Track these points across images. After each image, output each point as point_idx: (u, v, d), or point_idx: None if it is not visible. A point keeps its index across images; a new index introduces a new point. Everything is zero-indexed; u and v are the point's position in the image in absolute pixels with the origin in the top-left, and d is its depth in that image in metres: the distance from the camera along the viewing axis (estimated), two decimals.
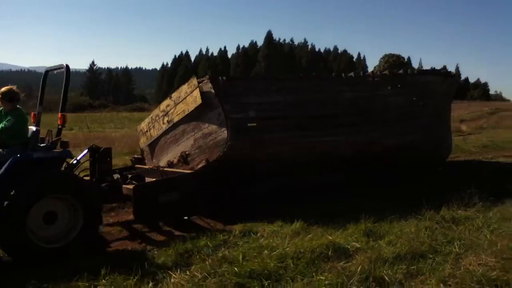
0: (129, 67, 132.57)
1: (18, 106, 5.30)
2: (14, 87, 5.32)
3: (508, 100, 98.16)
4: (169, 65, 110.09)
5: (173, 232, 6.04)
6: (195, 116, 6.99)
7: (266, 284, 3.87)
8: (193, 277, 4.06)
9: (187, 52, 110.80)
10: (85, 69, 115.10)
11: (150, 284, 3.97)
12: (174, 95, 7.38)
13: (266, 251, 4.62)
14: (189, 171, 6.63)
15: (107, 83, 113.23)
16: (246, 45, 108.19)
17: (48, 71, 5.93)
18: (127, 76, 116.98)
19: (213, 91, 6.63)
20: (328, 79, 7.94)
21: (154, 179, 6.40)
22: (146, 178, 7.11)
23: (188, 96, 6.96)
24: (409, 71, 9.00)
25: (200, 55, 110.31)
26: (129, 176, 6.51)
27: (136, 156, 8.76)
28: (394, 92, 8.30)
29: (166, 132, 7.63)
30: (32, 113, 5.69)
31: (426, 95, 8.61)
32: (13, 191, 4.68)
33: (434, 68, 9.32)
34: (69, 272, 4.31)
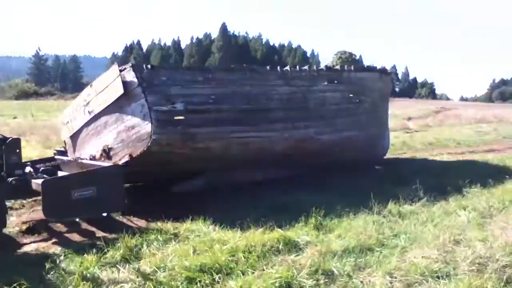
0: (78, 54, 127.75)
1: None
2: None
3: (452, 100, 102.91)
4: (120, 54, 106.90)
5: (94, 232, 5.59)
6: (117, 107, 6.46)
7: (216, 277, 3.89)
8: (143, 270, 4.04)
9: (138, 41, 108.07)
10: (31, 56, 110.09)
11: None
12: (95, 83, 6.82)
13: (217, 245, 4.57)
14: (110, 164, 6.14)
15: (54, 70, 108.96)
16: (200, 37, 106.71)
17: None
18: (75, 63, 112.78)
19: (136, 80, 6.15)
20: (261, 72, 7.58)
21: (67, 173, 5.87)
22: (63, 171, 6.59)
23: (109, 85, 6.42)
24: (346, 67, 8.83)
25: (152, 45, 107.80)
26: (40, 169, 5.92)
27: (59, 148, 8.13)
28: (330, 88, 8.13)
29: (87, 124, 7.05)
30: None
31: (362, 92, 8.52)
32: None
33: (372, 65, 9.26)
34: None
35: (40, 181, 5.25)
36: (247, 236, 4.80)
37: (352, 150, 8.41)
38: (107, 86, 6.49)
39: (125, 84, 6.21)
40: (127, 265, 4.22)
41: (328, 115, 8.04)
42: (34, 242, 5.29)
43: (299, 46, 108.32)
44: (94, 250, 4.55)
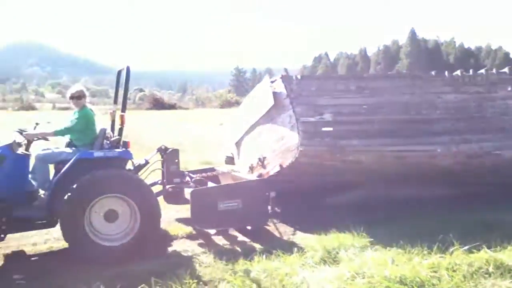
0: (271, 67, 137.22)
1: (85, 105, 5.51)
2: (81, 87, 5.57)
3: None
4: (309, 65, 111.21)
5: (237, 236, 5.87)
6: (269, 118, 6.60)
7: None
8: (342, 274, 4.12)
9: (326, 53, 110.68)
10: (232, 70, 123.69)
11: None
12: (252, 94, 7.12)
13: (416, 258, 4.43)
14: (257, 178, 6.30)
15: (252, 82, 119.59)
16: (388, 43, 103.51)
17: (120, 71, 6.11)
18: (269, 75, 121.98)
19: (285, 91, 6.18)
20: (425, 78, 6.79)
21: (214, 185, 6.20)
22: (221, 182, 6.98)
23: (262, 96, 6.62)
24: None
25: (339, 54, 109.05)
26: (192, 179, 6.39)
27: (228, 155, 8.71)
28: None
29: (246, 133, 7.39)
30: (109, 111, 5.94)
31: None
32: (71, 189, 4.82)
33: None
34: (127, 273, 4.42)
35: (190, 190, 5.66)
36: (450, 253, 4.48)
37: None
38: (260, 97, 6.70)
39: (275, 95, 6.30)
40: (326, 267, 4.42)
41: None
42: (182, 237, 5.80)
43: (500, 48, 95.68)
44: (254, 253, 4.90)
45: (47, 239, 5.51)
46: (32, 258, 5.25)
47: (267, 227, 6.20)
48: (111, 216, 5.08)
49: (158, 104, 60.49)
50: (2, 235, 4.88)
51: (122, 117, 5.35)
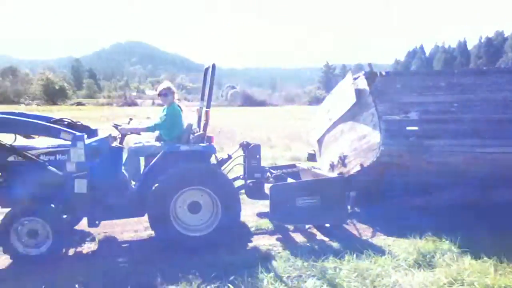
0: (362, 63, 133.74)
1: (174, 101, 5.80)
2: (169, 84, 5.90)
3: None
4: (403, 60, 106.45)
5: (315, 234, 5.87)
6: (351, 115, 6.49)
7: None
8: (438, 280, 4.08)
9: (421, 46, 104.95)
10: (322, 66, 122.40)
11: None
12: (334, 90, 7.03)
13: None
14: (337, 176, 6.22)
15: (341, 78, 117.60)
16: (491, 35, 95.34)
17: (207, 68, 6.35)
18: (360, 70, 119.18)
19: (367, 88, 6.03)
20: None
21: (294, 181, 6.23)
22: (302, 178, 7.00)
23: (344, 93, 6.51)
24: None
25: (435, 48, 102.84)
26: (273, 175, 6.48)
27: (310, 151, 8.72)
28: None
29: (328, 130, 7.34)
30: (196, 108, 6.25)
31: None
32: (158, 181, 5.16)
33: None
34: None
35: (269, 185, 5.76)
36: None
37: None
38: (342, 94, 6.60)
39: (357, 92, 6.18)
40: (420, 271, 4.37)
41: None
42: (262, 232, 5.94)
43: None
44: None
45: (147, 227, 5.92)
46: (133, 244, 5.66)
47: (346, 226, 6.13)
48: (194, 207, 5.35)
49: (249, 101, 61.71)
50: (97, 222, 5.36)
51: (206, 113, 5.59)
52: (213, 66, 5.68)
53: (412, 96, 5.98)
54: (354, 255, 4.76)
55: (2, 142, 4.98)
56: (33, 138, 5.45)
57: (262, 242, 5.59)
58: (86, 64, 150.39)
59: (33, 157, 4.97)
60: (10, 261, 4.96)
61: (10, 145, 4.98)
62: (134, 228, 6.16)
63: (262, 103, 57.99)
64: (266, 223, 6.26)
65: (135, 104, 60.71)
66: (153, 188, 5.13)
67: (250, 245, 5.53)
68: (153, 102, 65.86)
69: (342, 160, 6.77)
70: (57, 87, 70.56)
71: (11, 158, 4.99)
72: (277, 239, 5.69)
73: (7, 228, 4.84)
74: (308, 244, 5.45)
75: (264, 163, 7.59)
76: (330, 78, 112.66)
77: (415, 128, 5.88)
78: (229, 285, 4.16)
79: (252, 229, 6.12)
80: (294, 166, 7.50)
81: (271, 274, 4.33)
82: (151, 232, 5.68)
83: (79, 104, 62.76)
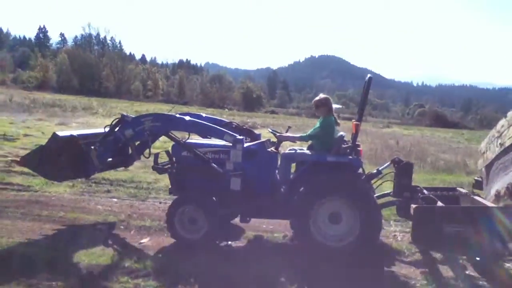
0: None
1: (329, 113, 6.00)
2: (324, 96, 6.14)
3: None
4: None
5: (464, 267, 5.44)
6: None
7: None
8: None
9: None
10: None
11: None
12: (509, 114, 6.34)
13: None
14: (498, 206, 5.62)
15: None
16: None
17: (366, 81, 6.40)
18: None
19: None
20: None
21: (443, 205, 5.82)
22: (461, 204, 6.51)
23: None
24: None
25: None
26: (420, 195, 6.16)
27: (476, 178, 7.99)
28: None
29: (497, 157, 6.65)
30: (352, 121, 6.40)
31: None
32: (302, 188, 5.49)
33: None
34: None
35: (414, 206, 5.56)
36: None
37: None
38: None
39: None
40: None
41: None
42: (403, 256, 5.70)
43: None
44: None
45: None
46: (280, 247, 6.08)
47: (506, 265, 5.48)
48: (335, 218, 5.49)
49: (439, 121, 57.70)
50: (248, 218, 5.96)
51: (356, 126, 5.70)
52: (369, 78, 5.76)
53: None
54: None
55: (178, 139, 5.96)
56: (208, 137, 6.33)
57: (400, 268, 5.42)
58: (281, 75, 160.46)
59: (201, 154, 5.81)
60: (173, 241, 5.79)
61: (184, 141, 5.94)
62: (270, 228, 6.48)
63: (454, 125, 53.32)
64: (406, 247, 6.03)
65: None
66: (297, 194, 5.45)
67: (387, 269, 5.42)
68: (338, 115, 67.12)
69: (510, 191, 6.07)
70: (254, 96, 77.94)
71: (184, 153, 5.95)
72: (418, 266, 5.44)
73: (173, 213, 5.68)
74: (453, 280, 5.07)
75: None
76: None
77: None
78: None
79: (391, 250, 5.98)
80: (454, 189, 6.98)
81: None
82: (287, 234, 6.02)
83: (272, 112, 68.26)
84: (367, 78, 5.83)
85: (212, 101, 71.00)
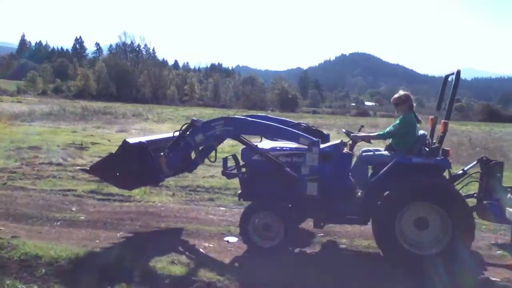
0: None
1: (410, 111, 5.56)
2: (403, 93, 5.70)
3: None
4: None
5: None
6: None
7: None
8: None
9: None
10: None
11: None
12: None
13: None
14: None
15: None
16: None
17: (448, 76, 5.95)
18: None
19: None
20: None
21: None
22: None
23: None
24: None
25: None
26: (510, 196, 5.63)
27: None
28: None
29: None
30: (430, 117, 5.97)
31: None
32: (387, 192, 5.00)
33: None
34: None
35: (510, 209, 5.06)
36: None
37: None
38: None
39: None
40: None
41: None
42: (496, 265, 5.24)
43: None
44: None
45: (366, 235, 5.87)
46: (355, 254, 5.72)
47: None
48: (421, 223, 5.04)
49: (493, 116, 56.65)
50: (322, 223, 5.61)
51: (444, 124, 5.23)
52: (458, 72, 5.30)
53: None
54: None
55: (249, 143, 5.69)
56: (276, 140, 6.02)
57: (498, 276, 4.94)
58: (312, 75, 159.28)
59: (273, 157, 5.50)
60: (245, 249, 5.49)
61: (255, 145, 5.66)
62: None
63: (510, 119, 51.14)
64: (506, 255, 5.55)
65: (367, 115, 63.53)
66: (380, 199, 5.01)
67: (481, 277, 4.96)
68: (374, 113, 66.40)
69: None
70: (290, 96, 78.44)
71: (255, 157, 5.66)
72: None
73: (246, 219, 5.39)
74: None
75: None
76: None
77: None
78: None
79: (485, 258, 5.51)
80: None
81: None
82: (370, 243, 5.66)
83: (314, 112, 68.95)
84: (454, 71, 5.37)
85: (254, 103, 71.09)
